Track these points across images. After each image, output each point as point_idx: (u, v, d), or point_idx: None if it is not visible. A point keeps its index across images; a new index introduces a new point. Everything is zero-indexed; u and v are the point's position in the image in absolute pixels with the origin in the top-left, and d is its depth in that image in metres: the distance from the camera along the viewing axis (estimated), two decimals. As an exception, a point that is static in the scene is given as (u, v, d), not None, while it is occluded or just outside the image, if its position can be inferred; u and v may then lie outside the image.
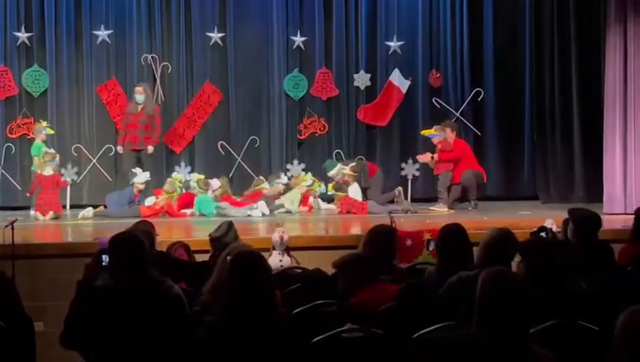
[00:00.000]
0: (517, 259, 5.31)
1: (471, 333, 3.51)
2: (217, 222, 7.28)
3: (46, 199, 11.18)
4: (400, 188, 12.37)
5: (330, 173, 12.39)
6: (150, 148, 12.16)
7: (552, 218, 7.86)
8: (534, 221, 8.48)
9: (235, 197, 12.02)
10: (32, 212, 11.38)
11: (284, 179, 12.41)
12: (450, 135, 12.38)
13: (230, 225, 6.91)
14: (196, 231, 9.62)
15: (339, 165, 12.48)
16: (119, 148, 12.31)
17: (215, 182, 11.89)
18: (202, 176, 12.02)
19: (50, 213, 11.08)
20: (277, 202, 11.80)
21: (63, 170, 11.77)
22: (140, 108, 12.12)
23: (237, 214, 11.07)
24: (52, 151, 11.61)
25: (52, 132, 12.15)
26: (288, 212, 11.76)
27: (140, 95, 12.12)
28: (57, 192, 11.37)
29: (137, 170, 11.88)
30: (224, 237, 6.66)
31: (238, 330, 3.96)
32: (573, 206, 8.21)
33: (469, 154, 12.51)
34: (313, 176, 12.47)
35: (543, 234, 6.69)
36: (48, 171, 11.29)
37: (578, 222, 6.59)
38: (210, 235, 6.89)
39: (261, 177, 12.45)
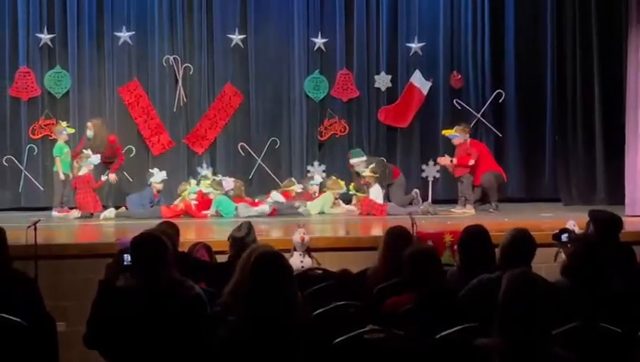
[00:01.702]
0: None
1: (492, 335, 3.50)
2: (237, 223, 7.17)
3: (84, 199, 11.36)
4: (417, 190, 12.34)
5: (352, 161, 12.38)
6: (112, 177, 11.93)
7: (574, 219, 7.83)
8: (556, 223, 8.45)
9: (252, 199, 12.04)
10: (53, 212, 11.48)
11: (317, 180, 12.42)
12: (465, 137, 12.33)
13: (250, 225, 6.87)
14: (216, 233, 9.63)
15: (364, 158, 12.41)
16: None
17: (228, 183, 11.91)
18: (213, 178, 12.08)
19: (74, 212, 11.21)
20: (297, 203, 11.78)
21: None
22: (92, 144, 11.90)
23: (256, 214, 11.13)
24: (87, 151, 11.66)
25: (72, 130, 12.24)
26: (322, 213, 11.86)
27: (89, 130, 11.99)
28: (93, 191, 11.49)
29: (154, 170, 11.97)
30: (246, 238, 6.57)
31: (256, 331, 3.96)
32: (594, 208, 8.15)
33: (486, 155, 12.47)
34: (331, 176, 12.53)
35: (565, 235, 6.65)
36: (83, 171, 11.43)
37: (598, 224, 6.55)
38: (231, 235, 6.73)
39: (292, 178, 12.47)
